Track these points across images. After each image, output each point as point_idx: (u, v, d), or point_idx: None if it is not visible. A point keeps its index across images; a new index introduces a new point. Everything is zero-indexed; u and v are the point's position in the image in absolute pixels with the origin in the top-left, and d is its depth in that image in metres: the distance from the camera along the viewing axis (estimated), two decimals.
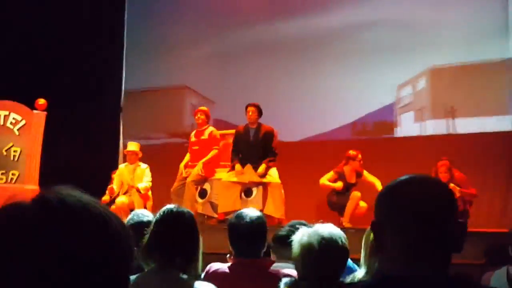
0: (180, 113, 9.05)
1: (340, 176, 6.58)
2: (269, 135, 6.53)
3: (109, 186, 6.85)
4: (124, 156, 7.18)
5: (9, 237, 0.66)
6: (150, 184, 6.79)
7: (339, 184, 6.51)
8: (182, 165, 6.90)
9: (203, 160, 6.65)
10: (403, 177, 1.21)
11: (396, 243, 1.14)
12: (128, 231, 0.74)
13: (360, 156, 6.56)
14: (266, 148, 6.52)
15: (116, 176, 6.96)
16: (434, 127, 7.55)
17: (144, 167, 6.90)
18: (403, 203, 1.15)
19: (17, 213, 0.69)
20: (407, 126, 7.80)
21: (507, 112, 7.21)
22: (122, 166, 7.09)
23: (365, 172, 6.59)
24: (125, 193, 6.79)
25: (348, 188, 6.57)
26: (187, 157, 6.94)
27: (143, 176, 6.81)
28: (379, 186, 6.34)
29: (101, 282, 0.68)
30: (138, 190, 6.64)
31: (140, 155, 6.97)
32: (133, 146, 7.04)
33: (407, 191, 1.17)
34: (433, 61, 7.56)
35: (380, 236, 1.18)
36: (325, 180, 6.58)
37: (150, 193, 6.82)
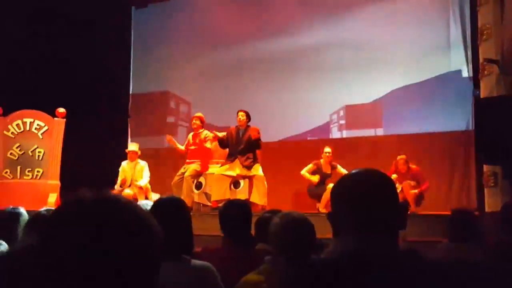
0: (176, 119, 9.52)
1: (318, 167, 7.05)
2: (254, 133, 6.85)
3: (122, 178, 7.20)
4: (126, 154, 7.37)
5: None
6: (149, 179, 7.13)
7: (315, 178, 7.00)
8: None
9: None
10: (349, 173, 1.26)
11: (348, 227, 1.16)
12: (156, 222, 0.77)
13: (329, 150, 7.04)
14: (251, 143, 6.82)
15: (120, 172, 7.25)
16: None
17: (143, 164, 7.19)
18: (349, 193, 1.19)
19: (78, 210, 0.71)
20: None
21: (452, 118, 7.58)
22: (124, 164, 7.25)
23: (338, 166, 7.07)
24: (129, 186, 7.16)
25: (324, 179, 7.02)
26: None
27: (143, 172, 7.12)
28: None
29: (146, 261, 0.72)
30: (140, 187, 7.03)
31: (139, 153, 7.26)
32: (133, 146, 7.37)
33: (352, 183, 1.21)
34: (390, 80, 7.98)
35: (335, 224, 1.21)
36: (305, 172, 7.06)
37: (149, 186, 7.15)
